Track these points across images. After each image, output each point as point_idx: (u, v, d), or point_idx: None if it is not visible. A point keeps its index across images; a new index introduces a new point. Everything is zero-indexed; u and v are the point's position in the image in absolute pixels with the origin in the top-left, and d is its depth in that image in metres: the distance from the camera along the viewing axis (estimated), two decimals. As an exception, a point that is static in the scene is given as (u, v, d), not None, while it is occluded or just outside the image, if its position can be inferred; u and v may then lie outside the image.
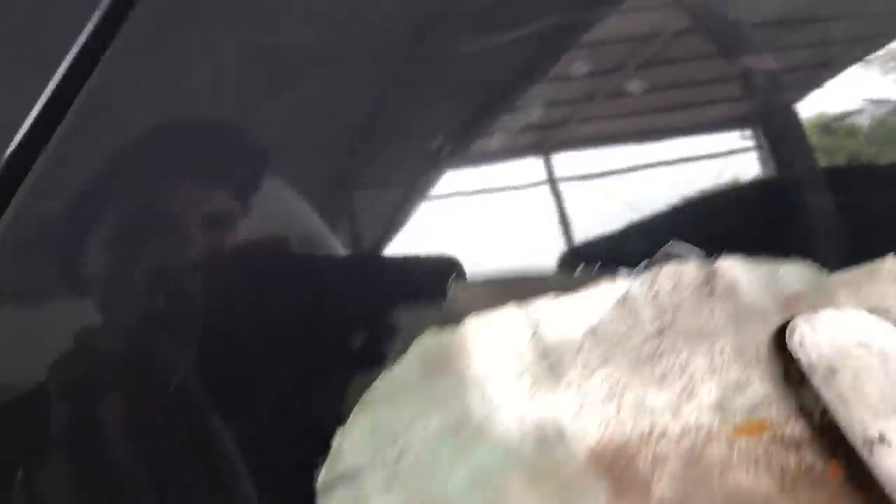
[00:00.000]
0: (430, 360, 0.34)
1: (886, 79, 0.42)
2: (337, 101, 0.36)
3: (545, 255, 0.38)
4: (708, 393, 0.37)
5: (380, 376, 0.34)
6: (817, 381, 0.36)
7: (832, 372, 0.36)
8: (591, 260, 0.37)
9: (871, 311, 0.41)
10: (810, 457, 0.38)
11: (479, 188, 0.38)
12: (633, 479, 0.35)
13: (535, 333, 0.35)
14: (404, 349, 0.34)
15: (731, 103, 0.41)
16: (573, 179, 0.39)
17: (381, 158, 0.37)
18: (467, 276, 0.35)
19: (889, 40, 0.42)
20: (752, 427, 0.38)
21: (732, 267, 0.38)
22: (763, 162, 0.41)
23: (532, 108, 0.38)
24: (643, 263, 0.37)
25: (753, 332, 0.39)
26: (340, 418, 0.33)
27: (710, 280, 0.38)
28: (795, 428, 0.38)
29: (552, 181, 0.39)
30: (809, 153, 0.41)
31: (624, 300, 0.37)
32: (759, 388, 0.38)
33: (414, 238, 0.37)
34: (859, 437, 0.35)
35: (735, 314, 0.38)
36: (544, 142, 0.39)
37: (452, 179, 0.38)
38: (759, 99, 0.41)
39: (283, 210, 0.36)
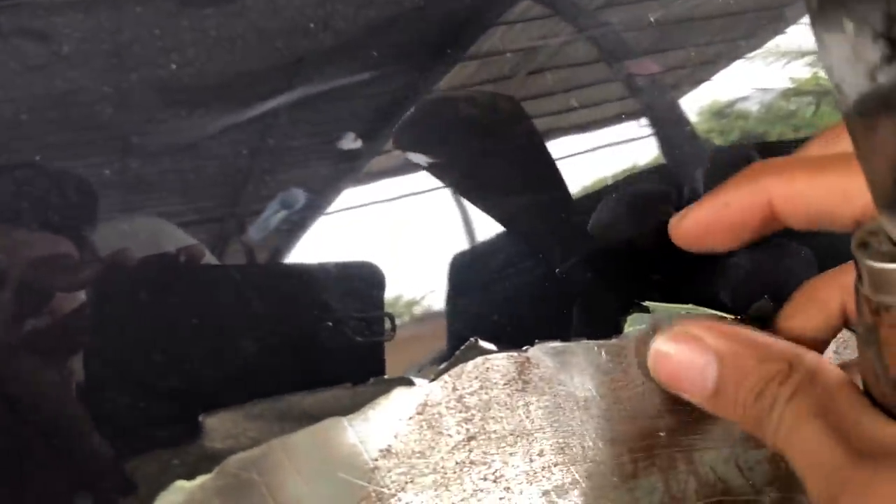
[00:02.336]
0: (182, 516, 0.28)
1: (769, 70, 0.45)
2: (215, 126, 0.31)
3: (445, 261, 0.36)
4: (528, 502, 0.33)
5: (118, 544, 0.28)
6: None
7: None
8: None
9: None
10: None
11: (376, 199, 0.35)
12: None
13: (314, 465, 0.30)
14: (145, 507, 0.28)
15: (622, 101, 0.43)
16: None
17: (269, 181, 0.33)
18: (222, 409, 0.29)
19: (768, 38, 0.45)
20: (580, 536, 0.33)
21: (547, 354, 0.34)
22: (658, 149, 0.42)
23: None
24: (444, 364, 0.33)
25: (577, 425, 0.34)
26: None
27: (522, 372, 0.34)
28: (629, 529, 0.34)
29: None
30: (697, 144, 0.43)
31: (422, 409, 0.32)
32: (587, 487, 0.34)
33: (310, 256, 0.33)
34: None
35: (554, 407, 0.34)
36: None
37: (348, 195, 0.34)
38: (643, 98, 0.42)
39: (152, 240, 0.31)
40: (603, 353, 0.35)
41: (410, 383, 0.32)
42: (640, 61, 0.42)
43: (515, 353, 0.34)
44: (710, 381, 0.30)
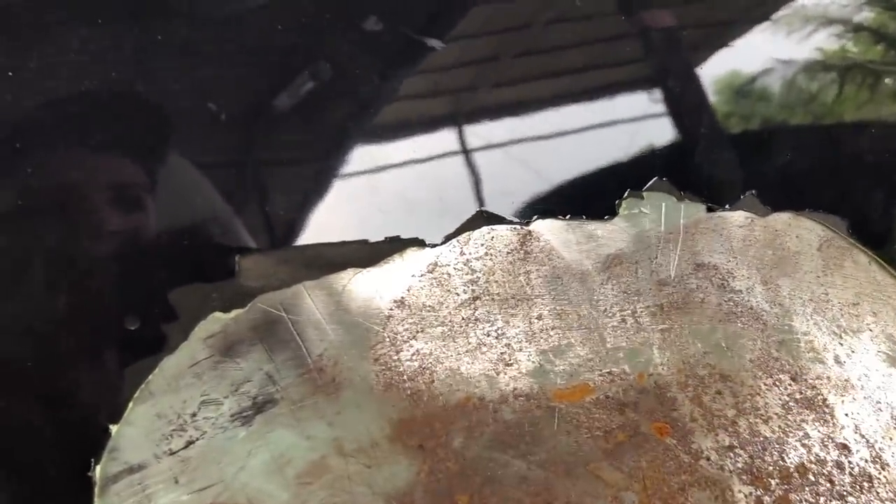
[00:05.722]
0: (218, 342, 0.32)
1: (790, 39, 0.43)
2: (241, 73, 0.34)
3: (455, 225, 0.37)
4: (527, 359, 0.36)
5: (161, 362, 0.31)
6: None
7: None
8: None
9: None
10: (635, 418, 0.37)
11: (392, 162, 0.37)
12: (447, 449, 0.34)
13: (336, 309, 0.34)
14: (185, 332, 0.31)
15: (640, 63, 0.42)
16: (484, 149, 0.39)
17: (289, 133, 0.36)
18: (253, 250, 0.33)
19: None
20: (574, 391, 0.37)
21: (548, 229, 0.37)
22: (674, 125, 0.41)
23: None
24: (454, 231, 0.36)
25: (573, 295, 0.38)
26: (117, 411, 0.30)
27: (524, 244, 0.37)
28: (619, 390, 0.37)
29: (465, 151, 0.38)
30: (710, 113, 0.42)
31: (433, 268, 0.35)
32: (581, 351, 0.37)
33: (327, 214, 0.35)
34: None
35: (552, 277, 0.37)
36: (456, 111, 0.38)
37: (364, 154, 0.37)
38: (657, 58, 0.41)
39: (188, 187, 0.34)
40: (598, 232, 0.38)
41: (423, 244, 0.35)
42: (656, 13, 0.41)
43: (519, 226, 0.37)
44: None
